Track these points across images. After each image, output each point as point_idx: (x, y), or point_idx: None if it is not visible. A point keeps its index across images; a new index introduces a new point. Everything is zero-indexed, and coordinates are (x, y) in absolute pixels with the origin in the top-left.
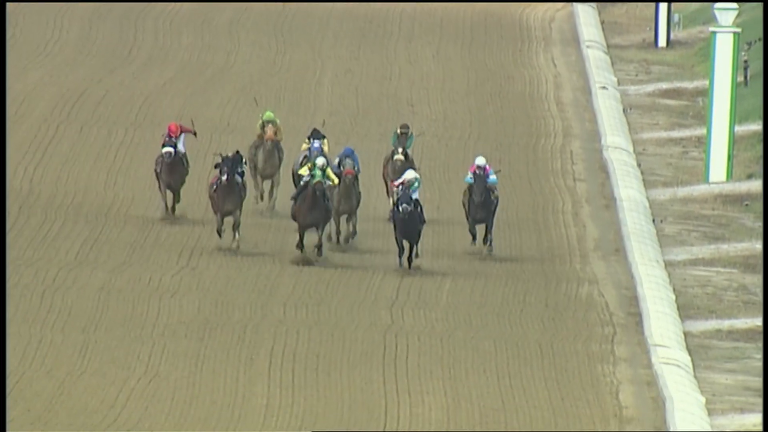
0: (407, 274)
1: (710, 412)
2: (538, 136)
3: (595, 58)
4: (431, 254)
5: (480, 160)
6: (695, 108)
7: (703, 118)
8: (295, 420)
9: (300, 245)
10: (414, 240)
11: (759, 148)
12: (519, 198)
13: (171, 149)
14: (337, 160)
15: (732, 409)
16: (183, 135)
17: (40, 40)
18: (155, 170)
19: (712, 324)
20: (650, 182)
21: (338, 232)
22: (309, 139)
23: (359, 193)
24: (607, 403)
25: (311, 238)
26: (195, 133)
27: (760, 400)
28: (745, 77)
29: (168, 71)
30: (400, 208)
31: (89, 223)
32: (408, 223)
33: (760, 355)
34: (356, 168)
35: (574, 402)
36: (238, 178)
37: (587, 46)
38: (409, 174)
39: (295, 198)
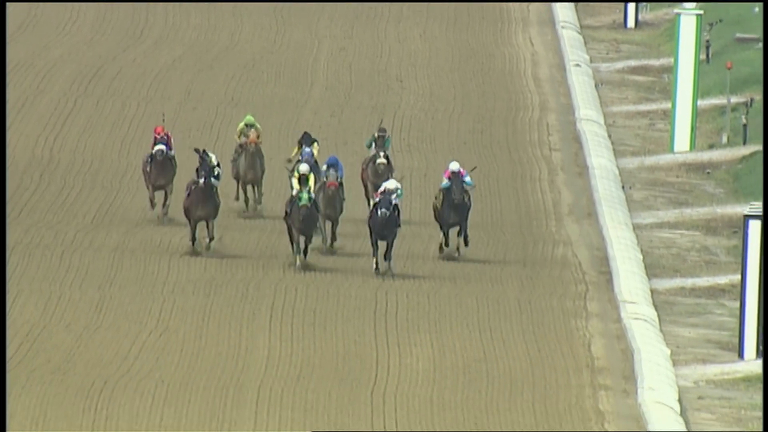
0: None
1: (675, 363)
2: (517, 110)
3: (570, 37)
4: (418, 220)
5: (454, 165)
6: (661, 83)
7: (669, 92)
8: (294, 369)
9: (295, 247)
10: (390, 242)
11: (720, 121)
12: (499, 166)
13: (163, 146)
14: (324, 167)
15: (694, 360)
16: (171, 139)
17: (60, 21)
18: (144, 170)
19: (676, 282)
20: (620, 152)
21: (325, 237)
22: (300, 143)
23: (343, 200)
24: (580, 354)
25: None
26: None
27: (720, 352)
28: (707, 55)
29: (177, 50)
30: (379, 212)
31: (105, 189)
32: (384, 226)
33: (720, 311)
34: (340, 177)
35: (550, 353)
36: (214, 182)
37: (562, 27)
38: (391, 184)
39: (289, 212)
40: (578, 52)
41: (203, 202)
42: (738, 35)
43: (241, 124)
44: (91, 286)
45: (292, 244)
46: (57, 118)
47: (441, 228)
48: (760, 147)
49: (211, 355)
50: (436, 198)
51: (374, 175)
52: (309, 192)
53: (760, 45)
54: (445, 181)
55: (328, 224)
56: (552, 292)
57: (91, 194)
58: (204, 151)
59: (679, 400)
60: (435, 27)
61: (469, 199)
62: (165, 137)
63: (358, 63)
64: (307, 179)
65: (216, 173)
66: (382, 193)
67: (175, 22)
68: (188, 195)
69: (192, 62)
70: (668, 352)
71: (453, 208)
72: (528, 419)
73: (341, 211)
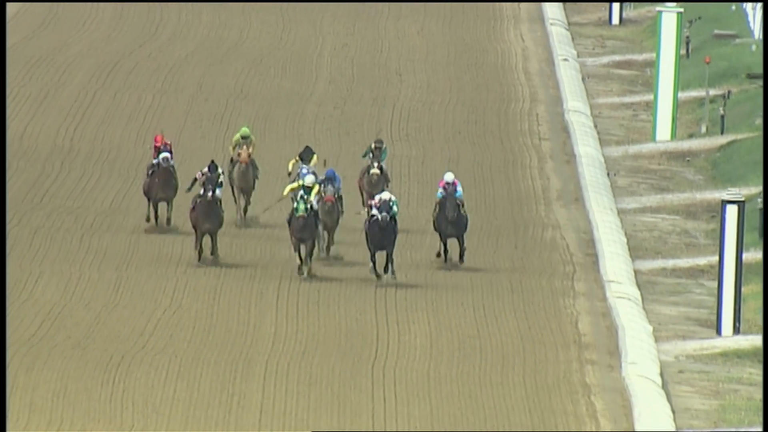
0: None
1: (657, 339)
2: (509, 101)
3: (558, 33)
4: (416, 206)
5: (449, 176)
6: (644, 77)
7: (651, 85)
8: (299, 345)
9: (298, 255)
10: (389, 249)
11: (699, 112)
12: (492, 154)
13: (168, 154)
14: (322, 185)
15: (675, 337)
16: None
17: (79, 18)
18: (144, 183)
19: (658, 263)
20: (605, 141)
21: (326, 247)
22: (299, 157)
23: (341, 213)
24: (568, 331)
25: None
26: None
27: (699, 329)
28: (687, 50)
29: (189, 45)
30: (379, 217)
31: (122, 176)
32: (384, 231)
33: (699, 290)
34: (338, 190)
35: (540, 330)
36: (219, 194)
37: (551, 24)
38: (385, 195)
39: (289, 220)
40: (566, 47)
41: (209, 216)
42: (716, 32)
43: (237, 136)
44: (109, 267)
45: (296, 253)
46: (77, 109)
47: (440, 238)
48: (736, 136)
49: (222, 332)
50: (434, 210)
51: (369, 184)
52: (306, 202)
53: (737, 41)
54: (440, 191)
55: (325, 234)
56: (541, 273)
57: (109, 181)
58: (213, 162)
59: (661, 374)
60: (432, 24)
61: (465, 212)
62: (167, 145)
63: (360, 58)
64: (310, 190)
65: (221, 184)
66: (377, 204)
67: (187, 20)
68: (193, 208)
69: (203, 57)
70: (650, 328)
71: (449, 222)
72: (519, 392)
73: (338, 222)
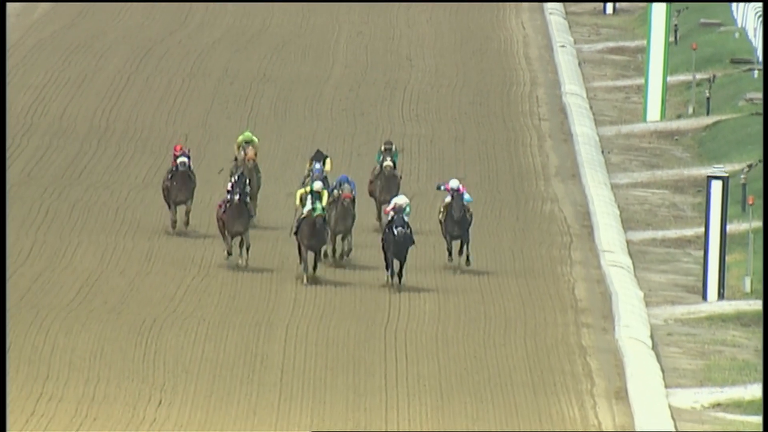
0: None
1: (647, 304)
2: (511, 84)
3: (556, 22)
4: (424, 181)
5: (454, 183)
6: (635, 62)
7: (642, 70)
8: (317, 310)
9: (303, 263)
10: (402, 259)
11: (686, 94)
12: (495, 134)
13: (186, 159)
14: (335, 183)
15: (664, 302)
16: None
17: (115, 8)
18: (163, 187)
19: (648, 234)
20: (600, 121)
21: (334, 250)
22: (312, 160)
23: (354, 215)
24: (566, 296)
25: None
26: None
27: (686, 294)
28: (675, 38)
29: (216, 33)
30: (395, 231)
31: (153, 153)
32: (401, 245)
33: (686, 259)
34: (353, 192)
35: (540, 296)
36: (247, 199)
37: (550, 13)
38: (401, 199)
39: (298, 227)
40: (564, 34)
41: (238, 218)
42: (702, 20)
43: (240, 139)
44: (142, 237)
45: (300, 259)
46: (112, 92)
47: (446, 239)
48: (721, 117)
49: (246, 297)
50: (440, 213)
51: (381, 187)
52: (321, 203)
53: (722, 29)
54: (448, 197)
55: (338, 238)
56: (541, 243)
57: (142, 158)
58: (242, 172)
59: (651, 336)
60: (440, 13)
61: (470, 215)
62: (186, 152)
63: (373, 44)
64: (320, 195)
65: (248, 190)
66: (393, 210)
67: (214, 9)
68: (224, 212)
69: (229, 44)
70: (641, 294)
71: (455, 223)
72: (520, 352)
73: (353, 224)
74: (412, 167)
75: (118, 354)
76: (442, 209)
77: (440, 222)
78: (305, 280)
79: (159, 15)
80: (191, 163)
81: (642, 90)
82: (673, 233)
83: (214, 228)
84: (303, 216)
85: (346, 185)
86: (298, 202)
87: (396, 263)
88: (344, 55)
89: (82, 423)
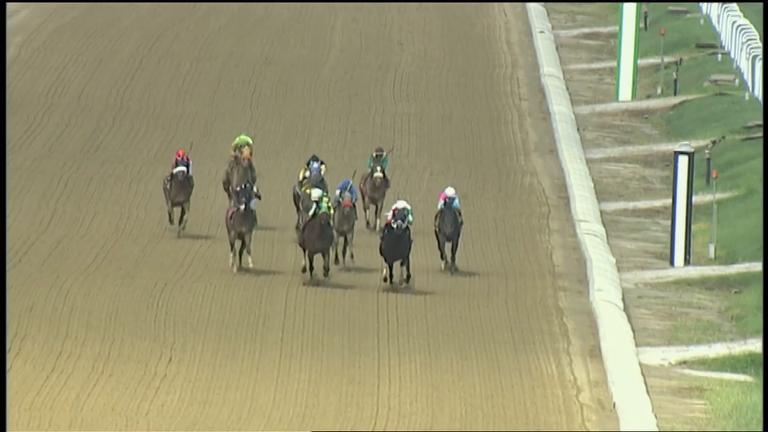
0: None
1: (619, 269)
2: (494, 67)
3: (535, 9)
4: (414, 153)
5: (449, 191)
6: (609, 46)
7: (614, 54)
8: (315, 275)
9: (309, 269)
10: (404, 258)
11: (655, 76)
12: (479, 112)
13: (184, 168)
14: (337, 192)
15: (635, 267)
16: (191, 162)
17: None
18: (164, 188)
19: (620, 205)
20: (576, 101)
21: (343, 252)
22: (308, 164)
23: (355, 219)
24: (544, 262)
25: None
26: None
27: (655, 260)
28: (645, 24)
29: (222, 19)
30: (394, 225)
31: (165, 130)
32: (398, 239)
33: (655, 228)
34: (353, 198)
35: (520, 262)
36: (253, 207)
37: (529, 1)
38: (400, 204)
39: (303, 228)
40: (542, 21)
41: (244, 222)
42: (670, 8)
43: (237, 141)
44: (153, 207)
45: (305, 265)
46: (126, 73)
47: (438, 244)
48: (687, 97)
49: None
50: (435, 220)
51: (372, 189)
52: (327, 203)
53: (689, 16)
54: (441, 204)
55: (341, 240)
56: (521, 213)
57: (154, 134)
58: (248, 182)
59: (623, 299)
60: (428, 1)
61: (461, 221)
62: (186, 159)
63: (367, 30)
64: (320, 202)
65: (255, 197)
66: (393, 214)
67: None
68: (230, 217)
69: (234, 29)
70: (614, 260)
71: (447, 228)
72: (502, 314)
73: (353, 226)
74: (402, 143)
75: (131, 315)
76: (436, 216)
77: (435, 232)
78: (311, 280)
79: (169, 3)
80: (190, 171)
81: (614, 72)
82: (643, 204)
83: (220, 202)
84: (308, 219)
85: (346, 193)
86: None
87: (396, 265)
88: (340, 40)
89: (98, 379)
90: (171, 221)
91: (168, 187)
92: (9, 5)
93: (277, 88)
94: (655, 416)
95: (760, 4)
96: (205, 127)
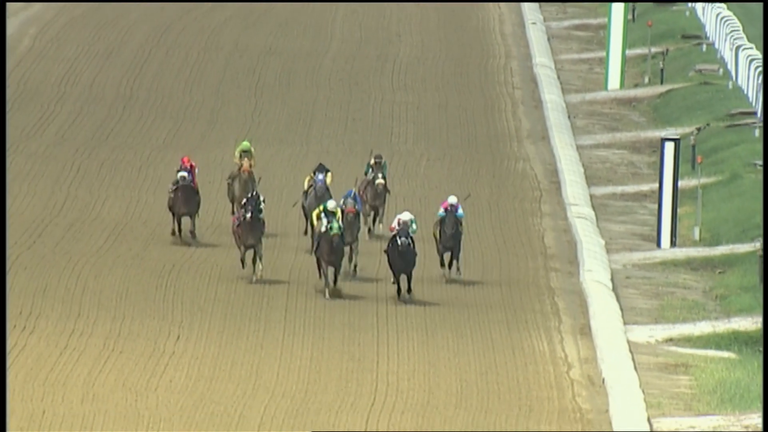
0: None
1: (608, 251)
2: (488, 57)
3: (528, 2)
4: (412, 140)
5: (452, 199)
6: (598, 37)
7: (603, 44)
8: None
9: (324, 277)
10: (409, 272)
11: (643, 66)
12: (474, 101)
13: (186, 173)
14: (342, 200)
15: (623, 249)
16: (196, 170)
17: None
18: (169, 197)
19: (609, 189)
20: (567, 89)
21: (349, 260)
22: (314, 172)
23: (359, 226)
24: (536, 244)
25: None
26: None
27: (643, 242)
28: (633, 16)
29: (227, 11)
30: (399, 242)
31: (172, 118)
32: (404, 256)
33: (643, 211)
34: (357, 207)
35: (513, 244)
36: (260, 215)
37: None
38: (405, 215)
39: (318, 244)
40: (534, 13)
41: (251, 232)
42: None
43: (239, 148)
44: (162, 192)
45: (320, 274)
46: (137, 63)
47: (438, 252)
48: (673, 86)
49: None
50: (435, 227)
51: (373, 197)
52: (338, 221)
53: (675, 8)
54: (441, 211)
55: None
56: (514, 197)
57: (162, 123)
58: (256, 193)
59: (612, 279)
60: None
61: (461, 229)
62: (188, 168)
63: (367, 22)
64: (335, 213)
65: (261, 207)
66: (398, 225)
67: None
68: (238, 225)
69: (239, 21)
70: (603, 242)
71: (448, 236)
72: (496, 293)
73: (358, 233)
74: (400, 131)
75: (141, 295)
76: (435, 224)
77: (434, 235)
78: (327, 295)
79: None
80: (194, 176)
81: (603, 62)
82: (631, 188)
83: (224, 189)
84: (321, 233)
85: (349, 200)
86: (315, 221)
87: (403, 278)
88: (341, 31)
89: (109, 356)
90: (179, 233)
91: (172, 197)
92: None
93: (281, 78)
94: (643, 391)
95: None
96: (211, 115)
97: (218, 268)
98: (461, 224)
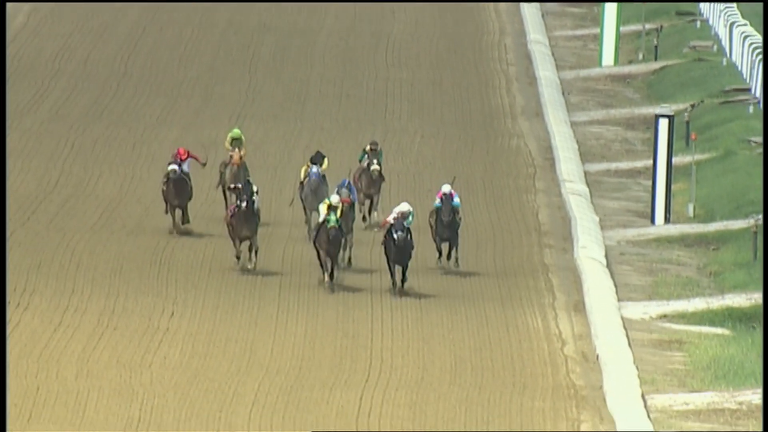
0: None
1: (602, 227)
2: (482, 34)
3: None
4: (406, 117)
5: (446, 188)
6: (592, 14)
7: (598, 21)
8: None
9: (323, 269)
10: (405, 264)
11: (637, 42)
12: (468, 78)
13: (176, 167)
14: (335, 191)
15: (617, 225)
16: (189, 160)
17: None
18: (162, 189)
19: (603, 165)
20: (561, 66)
21: (343, 249)
22: (310, 161)
23: (354, 217)
24: (530, 220)
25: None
26: (204, 164)
27: (637, 219)
28: None
29: None
30: (395, 236)
31: (167, 95)
32: (401, 250)
33: (637, 188)
34: (352, 197)
35: (507, 220)
36: (255, 205)
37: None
38: (404, 207)
39: (315, 236)
40: None
41: (246, 223)
42: None
43: (230, 136)
44: (156, 168)
45: (321, 266)
46: (130, 40)
47: (435, 242)
48: (667, 62)
49: None
50: (430, 216)
51: (367, 185)
52: (336, 214)
53: None
54: (437, 201)
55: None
56: (508, 173)
57: (156, 99)
58: (248, 181)
59: (606, 256)
60: None
61: (459, 218)
62: (179, 160)
63: (363, 12)
64: (337, 208)
65: (255, 198)
66: (395, 217)
67: None
68: (232, 216)
69: None
70: (597, 219)
71: (444, 226)
72: (490, 270)
73: (352, 224)
74: (394, 108)
75: (135, 271)
76: (431, 213)
77: (430, 226)
78: (326, 285)
79: None
80: (188, 168)
81: (598, 38)
82: (625, 165)
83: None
84: (320, 224)
85: (344, 190)
86: (322, 216)
87: (398, 269)
88: (335, 8)
89: (103, 332)
90: (172, 231)
91: (165, 189)
92: None
93: (275, 54)
94: (637, 368)
95: None
96: (205, 92)
97: (212, 245)
98: (458, 213)
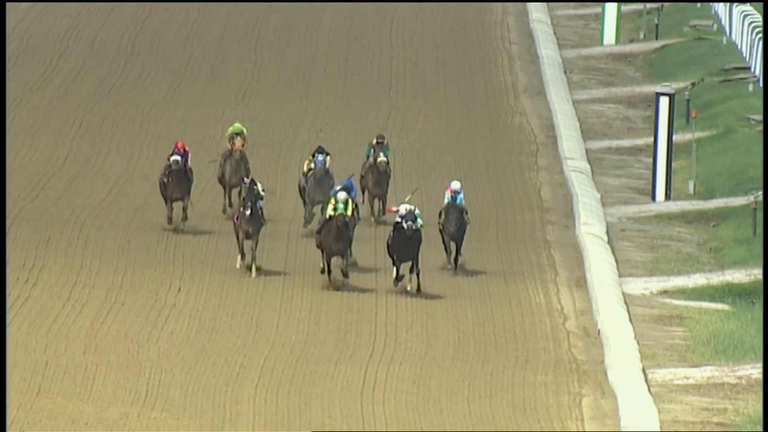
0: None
1: (604, 204)
2: (485, 13)
3: None
4: (410, 96)
5: (455, 185)
6: None
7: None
8: (317, 216)
9: (327, 271)
10: (414, 258)
11: (639, 21)
12: (471, 56)
13: (179, 158)
14: (337, 188)
15: (618, 202)
16: (189, 155)
17: None
18: (160, 182)
19: (605, 143)
20: (563, 45)
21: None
22: (313, 155)
23: (359, 217)
24: (533, 198)
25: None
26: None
27: (638, 196)
28: None
29: None
30: (405, 225)
31: (173, 73)
32: (410, 241)
33: (638, 165)
34: (354, 196)
35: (510, 198)
36: (259, 207)
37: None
38: (407, 207)
39: (320, 230)
40: None
41: (251, 225)
42: None
43: (230, 130)
44: (163, 146)
45: (324, 264)
46: (138, 19)
47: (443, 237)
48: (668, 41)
49: None
50: (440, 215)
51: (374, 184)
52: (347, 207)
53: None
54: (447, 195)
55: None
56: (511, 151)
57: (164, 78)
58: (252, 180)
59: (607, 232)
60: None
61: (468, 218)
62: (182, 150)
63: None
64: (347, 204)
65: (261, 197)
66: (401, 215)
67: None
68: (237, 218)
69: None
70: (599, 196)
71: (452, 226)
72: (493, 246)
73: (353, 230)
74: (398, 86)
75: (142, 248)
76: (441, 211)
77: (439, 225)
78: (334, 284)
79: None
80: (188, 160)
81: (599, 17)
82: (626, 142)
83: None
84: (326, 219)
85: (342, 194)
86: (329, 213)
87: (407, 264)
88: (332, 16)
89: (111, 307)
90: (169, 221)
91: (165, 181)
92: None
93: (280, 33)
94: (638, 343)
95: None
96: (211, 71)
97: (218, 221)
98: (466, 213)
